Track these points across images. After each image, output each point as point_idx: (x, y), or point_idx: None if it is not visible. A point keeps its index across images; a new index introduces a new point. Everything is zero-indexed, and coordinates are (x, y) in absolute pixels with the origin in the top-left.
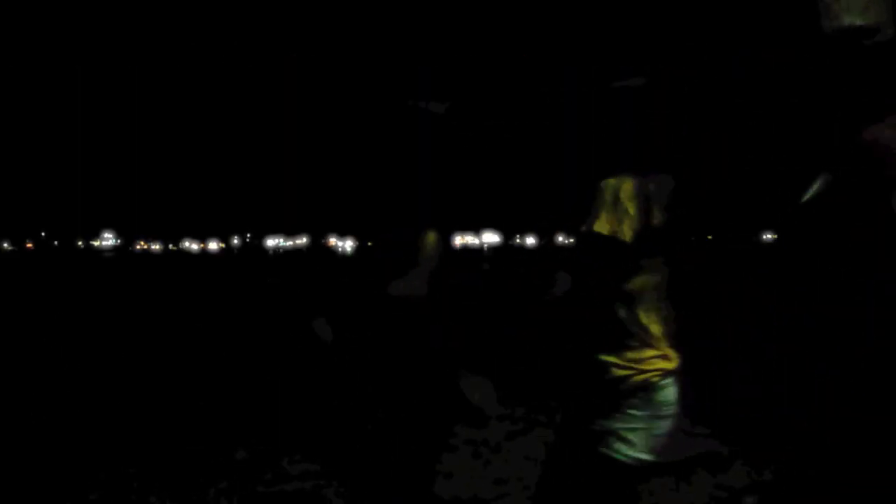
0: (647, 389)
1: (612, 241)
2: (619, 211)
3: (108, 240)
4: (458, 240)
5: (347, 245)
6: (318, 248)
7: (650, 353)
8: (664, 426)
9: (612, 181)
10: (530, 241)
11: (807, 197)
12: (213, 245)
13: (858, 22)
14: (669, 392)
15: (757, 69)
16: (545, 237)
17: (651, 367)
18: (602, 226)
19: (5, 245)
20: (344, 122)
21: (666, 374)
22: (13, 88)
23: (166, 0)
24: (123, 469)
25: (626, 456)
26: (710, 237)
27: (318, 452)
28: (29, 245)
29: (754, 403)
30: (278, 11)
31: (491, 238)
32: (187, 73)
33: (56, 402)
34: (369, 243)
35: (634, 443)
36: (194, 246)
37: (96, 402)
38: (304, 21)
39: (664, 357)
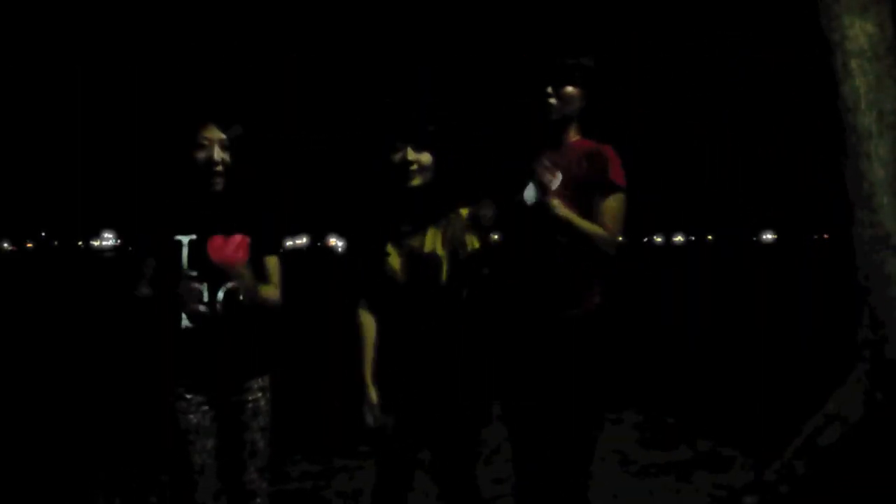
0: None
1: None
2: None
3: (108, 240)
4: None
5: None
6: (318, 248)
7: None
8: None
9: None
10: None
11: (521, 197)
12: None
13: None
14: None
15: (757, 70)
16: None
17: None
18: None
19: (5, 245)
20: (344, 123)
21: None
22: (13, 88)
23: (167, 1)
24: (123, 469)
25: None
26: (710, 237)
27: (318, 452)
28: (29, 245)
29: (754, 403)
30: (277, 13)
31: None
32: (187, 74)
33: (56, 403)
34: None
35: None
36: None
37: (96, 403)
38: (303, 22)
39: None
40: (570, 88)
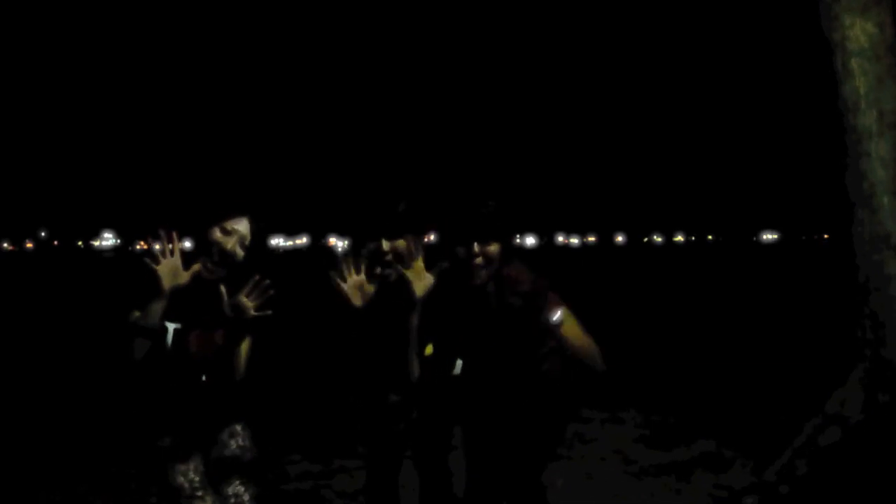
0: None
1: None
2: None
3: (108, 240)
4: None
5: (347, 245)
6: (318, 248)
7: None
8: None
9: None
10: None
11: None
12: None
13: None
14: None
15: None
16: None
17: None
18: None
19: (5, 245)
20: (344, 123)
21: None
22: (13, 88)
23: (167, 2)
24: (123, 469)
25: None
26: (710, 237)
27: (318, 452)
28: (29, 245)
29: (754, 403)
30: (279, 14)
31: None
32: (188, 74)
33: (57, 403)
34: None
35: None
36: None
37: (96, 402)
38: (305, 23)
39: None
40: (493, 247)
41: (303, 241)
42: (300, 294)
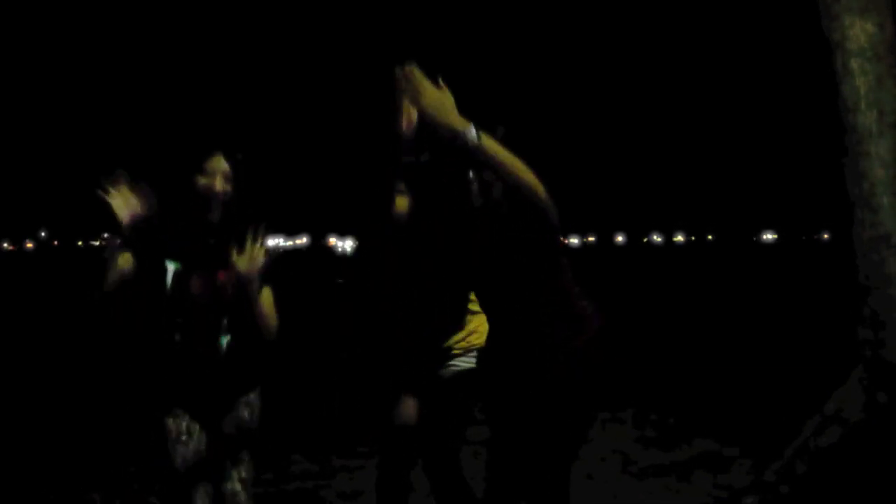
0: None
1: None
2: None
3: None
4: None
5: (347, 245)
6: (319, 247)
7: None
8: None
9: None
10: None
11: None
12: None
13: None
14: None
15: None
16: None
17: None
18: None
19: (5, 245)
20: (344, 122)
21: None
22: (14, 88)
23: (167, 2)
24: (123, 469)
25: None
26: (710, 237)
27: (318, 452)
28: (29, 245)
29: (754, 403)
30: (279, 13)
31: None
32: (188, 74)
33: (57, 403)
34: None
35: None
36: None
37: (97, 402)
38: (306, 22)
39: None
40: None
41: (303, 241)
42: (300, 294)
